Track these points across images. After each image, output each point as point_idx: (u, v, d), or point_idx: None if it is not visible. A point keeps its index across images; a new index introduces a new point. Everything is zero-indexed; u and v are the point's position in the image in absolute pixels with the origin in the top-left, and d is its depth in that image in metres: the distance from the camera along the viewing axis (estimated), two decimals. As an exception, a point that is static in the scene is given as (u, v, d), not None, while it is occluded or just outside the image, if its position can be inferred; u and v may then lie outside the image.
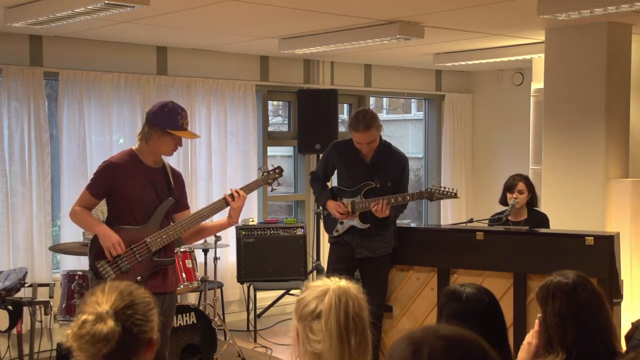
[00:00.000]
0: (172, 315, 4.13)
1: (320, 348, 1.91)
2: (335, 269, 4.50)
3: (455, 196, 4.66)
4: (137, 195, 3.84)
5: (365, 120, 4.55)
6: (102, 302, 1.74)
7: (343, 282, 2.00)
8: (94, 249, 3.83)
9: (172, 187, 3.96)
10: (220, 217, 4.30)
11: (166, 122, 3.81)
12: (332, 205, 4.75)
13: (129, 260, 3.80)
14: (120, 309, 1.73)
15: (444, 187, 4.65)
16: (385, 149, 4.77)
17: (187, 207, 4.10)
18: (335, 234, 4.80)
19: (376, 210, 4.55)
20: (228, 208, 4.01)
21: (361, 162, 4.72)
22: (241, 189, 4.07)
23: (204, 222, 4.04)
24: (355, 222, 4.71)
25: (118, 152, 4.05)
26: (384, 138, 4.82)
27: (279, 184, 4.30)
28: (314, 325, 1.93)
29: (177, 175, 4.07)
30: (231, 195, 3.99)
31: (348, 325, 1.91)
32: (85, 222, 3.90)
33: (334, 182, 5.07)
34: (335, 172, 4.96)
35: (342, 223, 4.77)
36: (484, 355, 1.28)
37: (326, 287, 1.97)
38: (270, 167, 4.28)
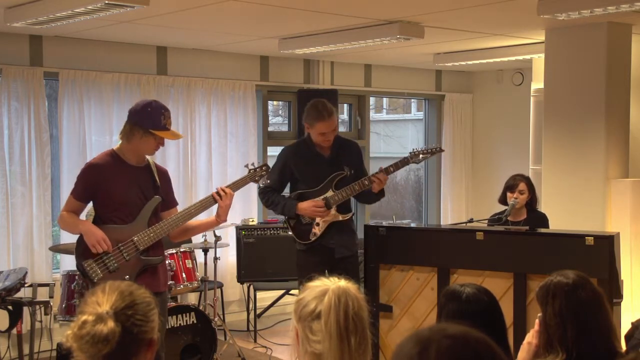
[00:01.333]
0: (166, 317, 4.11)
1: (320, 348, 1.91)
2: (312, 275, 4.39)
3: (440, 150, 4.70)
4: (122, 195, 3.80)
5: (327, 108, 4.57)
6: (102, 302, 1.74)
7: (342, 282, 1.99)
8: (80, 248, 3.80)
9: (158, 185, 3.92)
10: (208, 215, 4.26)
11: (149, 122, 3.75)
12: (307, 205, 4.60)
13: (117, 259, 3.78)
14: (121, 309, 1.73)
15: (427, 147, 4.65)
16: (338, 140, 4.77)
17: (174, 204, 4.05)
18: (313, 237, 4.65)
19: (379, 182, 4.51)
20: (216, 206, 3.97)
21: (321, 159, 4.69)
22: (228, 186, 4.03)
23: (192, 221, 3.99)
24: (335, 217, 4.63)
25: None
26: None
27: (266, 181, 4.27)
28: (314, 325, 1.93)
29: (163, 173, 4.01)
30: (218, 193, 3.95)
31: (348, 325, 1.91)
32: (69, 223, 3.84)
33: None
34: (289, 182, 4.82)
35: (318, 224, 4.66)
36: (491, 354, 1.28)
37: (325, 287, 1.96)
38: (257, 164, 4.25)
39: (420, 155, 4.62)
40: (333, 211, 4.64)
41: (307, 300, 1.96)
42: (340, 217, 4.65)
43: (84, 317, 1.70)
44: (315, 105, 4.62)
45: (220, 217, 3.97)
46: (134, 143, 3.81)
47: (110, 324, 1.69)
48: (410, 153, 4.64)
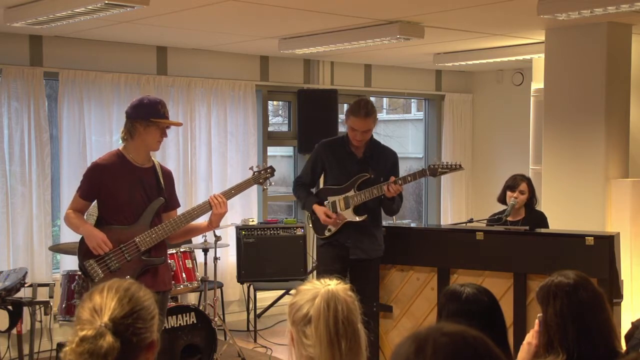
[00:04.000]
0: (164, 316, 4.12)
1: (313, 352, 1.91)
2: (329, 270, 4.31)
3: (459, 167, 4.66)
4: (126, 195, 3.83)
5: (367, 108, 4.58)
6: (100, 309, 1.69)
7: (332, 285, 1.98)
8: (82, 248, 3.84)
9: (163, 187, 3.94)
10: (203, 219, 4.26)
11: (148, 112, 3.81)
12: (319, 210, 4.66)
13: (118, 259, 3.81)
14: (120, 319, 1.68)
15: (446, 162, 4.65)
16: (376, 144, 4.79)
17: (176, 206, 4.07)
18: (328, 233, 4.70)
19: (389, 190, 4.50)
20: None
21: (353, 158, 4.70)
22: (226, 191, 4.05)
23: (190, 224, 4.00)
24: (351, 217, 4.65)
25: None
26: (377, 138, 4.83)
27: (270, 184, 4.26)
28: (307, 330, 1.93)
29: (167, 174, 4.04)
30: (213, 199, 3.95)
31: (338, 330, 1.91)
32: (73, 224, 3.89)
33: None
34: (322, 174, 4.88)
35: None
36: (488, 352, 1.28)
37: (316, 291, 1.96)
38: (262, 167, 4.25)
39: (439, 170, 4.62)
40: (350, 212, 4.65)
41: (299, 304, 1.96)
42: (357, 219, 4.65)
43: (82, 333, 1.66)
44: (359, 101, 4.68)
45: (213, 224, 4.01)
46: (138, 138, 3.84)
47: (109, 339, 1.64)
48: (430, 166, 4.63)
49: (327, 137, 5.03)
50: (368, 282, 4.66)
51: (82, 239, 3.86)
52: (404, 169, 4.86)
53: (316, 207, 4.69)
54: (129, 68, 6.41)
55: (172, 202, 4.03)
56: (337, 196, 4.67)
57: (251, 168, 4.27)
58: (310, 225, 4.90)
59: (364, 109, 4.55)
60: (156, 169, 3.97)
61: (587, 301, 2.47)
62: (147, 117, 3.80)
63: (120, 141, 3.96)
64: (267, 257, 6.45)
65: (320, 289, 1.96)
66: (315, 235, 4.88)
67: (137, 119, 3.82)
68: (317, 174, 4.88)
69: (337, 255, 4.68)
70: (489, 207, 6.05)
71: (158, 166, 4.00)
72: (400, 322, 4.86)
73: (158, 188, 3.93)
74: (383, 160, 4.73)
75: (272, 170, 4.24)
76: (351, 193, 4.65)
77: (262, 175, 4.18)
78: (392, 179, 4.54)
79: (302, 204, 4.87)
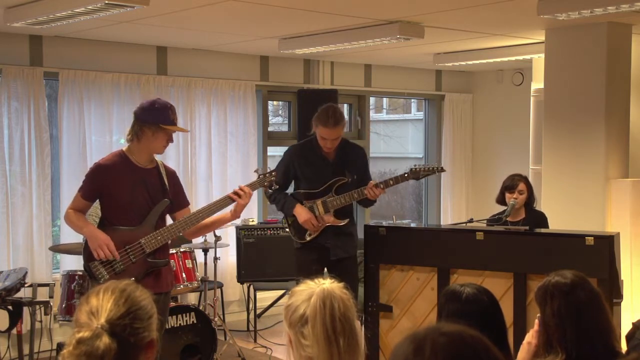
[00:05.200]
0: (166, 316, 4.12)
1: (312, 352, 1.91)
2: (308, 272, 4.35)
3: (441, 170, 4.68)
4: (128, 196, 3.82)
5: (335, 116, 4.55)
6: (97, 311, 1.69)
7: (327, 284, 1.99)
8: (87, 250, 3.83)
9: (167, 188, 3.93)
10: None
11: (159, 118, 3.82)
12: (304, 215, 4.62)
13: (123, 261, 3.80)
14: (116, 319, 1.68)
15: (428, 165, 4.66)
16: (345, 144, 4.78)
17: (186, 205, 4.06)
18: (309, 237, 4.68)
19: (369, 194, 4.53)
20: (228, 206, 3.97)
21: (325, 161, 4.70)
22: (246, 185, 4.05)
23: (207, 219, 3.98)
24: (332, 221, 4.65)
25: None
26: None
27: (275, 187, 4.28)
28: (305, 330, 1.93)
29: (172, 174, 4.03)
30: (236, 193, 3.93)
31: (335, 328, 1.91)
32: (75, 224, 3.88)
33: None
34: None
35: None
36: (486, 352, 1.29)
37: (311, 290, 1.96)
38: (267, 170, 4.25)
39: (421, 173, 4.63)
40: (331, 216, 4.66)
41: (295, 305, 1.96)
42: (338, 223, 4.67)
43: (79, 335, 1.66)
44: (327, 109, 4.62)
45: (237, 213, 3.96)
46: (144, 142, 3.84)
47: (106, 340, 1.64)
48: (411, 169, 4.64)
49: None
50: (350, 279, 4.64)
51: (87, 241, 3.85)
52: (403, 169, 4.85)
53: (298, 210, 4.65)
54: (129, 68, 6.41)
55: (181, 201, 4.02)
56: (314, 200, 4.66)
57: (256, 171, 4.27)
58: (288, 229, 4.86)
59: (332, 118, 4.53)
60: (160, 170, 3.96)
61: (585, 301, 2.48)
62: (157, 123, 3.81)
63: (122, 141, 3.96)
64: (267, 257, 6.45)
65: (315, 288, 1.96)
66: (294, 239, 4.81)
67: (146, 123, 3.82)
68: (289, 179, 4.83)
69: (317, 258, 4.67)
70: (489, 207, 6.05)
71: (162, 166, 3.99)
72: (400, 322, 4.85)
73: (162, 189, 3.92)
74: (353, 161, 4.75)
75: (277, 174, 4.25)
76: (329, 197, 4.65)
77: (267, 179, 4.18)
78: (372, 182, 4.56)
79: (280, 205, 4.77)
